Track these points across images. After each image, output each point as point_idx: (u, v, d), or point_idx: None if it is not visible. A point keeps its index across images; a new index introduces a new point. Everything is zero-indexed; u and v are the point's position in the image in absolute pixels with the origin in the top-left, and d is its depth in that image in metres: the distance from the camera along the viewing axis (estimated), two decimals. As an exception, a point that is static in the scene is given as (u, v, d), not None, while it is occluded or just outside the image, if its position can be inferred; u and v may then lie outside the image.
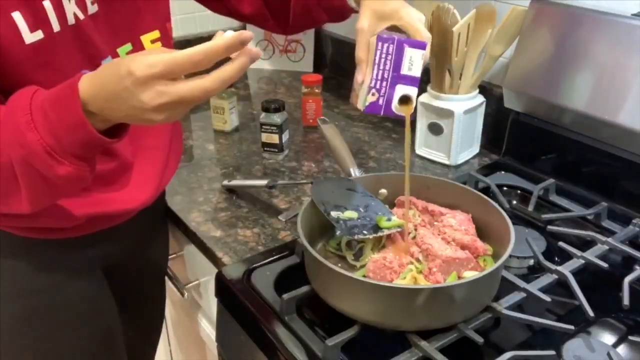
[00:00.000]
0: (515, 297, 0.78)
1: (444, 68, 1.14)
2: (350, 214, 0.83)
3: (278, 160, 1.24)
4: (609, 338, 0.76)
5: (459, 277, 0.75)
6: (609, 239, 0.89)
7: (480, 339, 0.70)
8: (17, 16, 0.64)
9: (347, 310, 0.73)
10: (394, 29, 0.79)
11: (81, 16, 0.71)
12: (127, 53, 0.80)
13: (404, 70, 0.73)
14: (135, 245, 0.97)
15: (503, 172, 1.14)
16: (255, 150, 1.29)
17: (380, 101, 0.73)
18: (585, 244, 0.90)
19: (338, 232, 0.80)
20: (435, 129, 1.18)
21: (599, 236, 0.90)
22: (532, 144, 1.15)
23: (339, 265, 0.82)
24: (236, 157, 1.26)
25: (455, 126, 1.15)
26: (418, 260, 0.78)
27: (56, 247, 0.84)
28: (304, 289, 0.79)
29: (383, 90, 0.73)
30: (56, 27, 0.68)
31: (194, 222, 1.03)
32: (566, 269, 0.82)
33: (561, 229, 0.95)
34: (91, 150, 0.63)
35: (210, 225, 1.01)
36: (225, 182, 1.12)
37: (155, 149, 0.90)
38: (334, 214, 0.82)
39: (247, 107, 1.53)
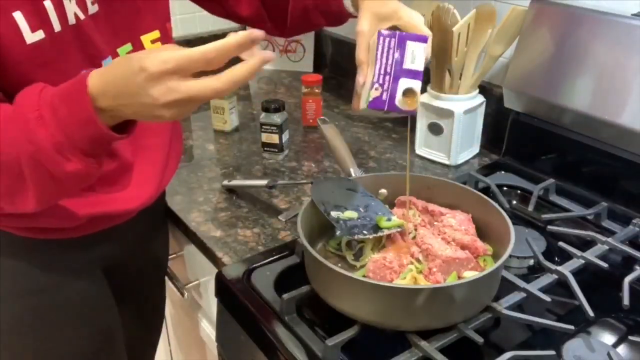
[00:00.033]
0: (515, 297, 0.78)
1: (444, 68, 1.14)
2: (350, 214, 0.83)
3: (278, 160, 1.24)
4: (609, 338, 0.76)
5: (459, 277, 0.75)
6: (609, 239, 0.89)
7: (480, 339, 0.70)
8: (19, 16, 0.64)
9: (347, 310, 0.73)
10: (393, 29, 0.79)
11: (82, 16, 0.71)
12: (127, 53, 0.80)
13: (407, 64, 0.72)
14: (135, 245, 0.97)
15: (503, 172, 1.14)
16: (255, 150, 1.29)
17: (384, 96, 0.73)
18: (585, 244, 0.90)
19: (338, 232, 0.80)
20: (435, 129, 1.18)
21: (599, 236, 0.90)
22: (532, 144, 1.15)
23: (339, 265, 0.82)
24: (236, 157, 1.26)
25: (455, 126, 1.15)
26: (418, 260, 0.78)
27: (56, 247, 0.84)
28: (304, 289, 0.79)
29: (386, 85, 0.72)
30: (57, 27, 0.68)
31: (194, 222, 1.03)
32: (566, 269, 0.82)
33: (561, 229, 0.95)
34: (100, 147, 0.63)
35: (210, 225, 1.01)
36: (225, 182, 1.12)
37: (155, 148, 0.90)
38: (334, 214, 0.82)
39: (247, 107, 1.53)
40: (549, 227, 0.95)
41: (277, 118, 1.22)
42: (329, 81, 1.64)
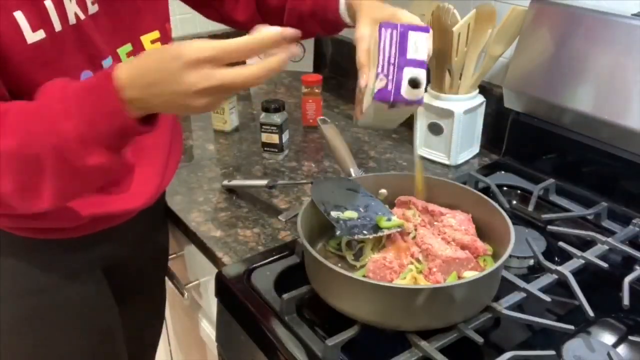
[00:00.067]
0: (515, 297, 0.78)
1: (444, 68, 1.14)
2: (350, 214, 0.83)
3: (278, 160, 1.24)
4: (609, 338, 0.76)
5: (459, 277, 0.75)
6: (609, 239, 0.89)
7: (480, 339, 0.70)
8: (19, 15, 0.64)
9: (347, 310, 0.73)
10: None
11: (82, 16, 0.71)
12: (127, 53, 0.80)
13: (410, 54, 0.72)
14: (135, 245, 0.97)
15: (503, 172, 1.14)
16: (255, 150, 1.29)
17: (389, 86, 0.72)
18: (585, 244, 0.90)
19: (338, 232, 0.80)
20: (435, 129, 1.18)
21: (599, 236, 0.91)
22: (532, 144, 1.15)
23: (339, 265, 0.82)
24: (236, 157, 1.26)
25: (455, 126, 1.15)
26: (418, 260, 0.78)
27: (56, 247, 0.84)
28: (304, 289, 0.79)
29: (391, 75, 0.72)
30: (57, 26, 0.68)
31: (194, 222, 1.03)
32: (566, 269, 0.82)
33: (561, 229, 0.95)
34: (124, 139, 0.63)
35: (210, 225, 1.01)
36: (225, 182, 1.12)
37: (156, 148, 0.90)
38: (334, 214, 0.82)
39: (247, 107, 1.53)
40: (549, 227, 0.95)
41: (277, 118, 1.22)
42: (329, 81, 1.64)
